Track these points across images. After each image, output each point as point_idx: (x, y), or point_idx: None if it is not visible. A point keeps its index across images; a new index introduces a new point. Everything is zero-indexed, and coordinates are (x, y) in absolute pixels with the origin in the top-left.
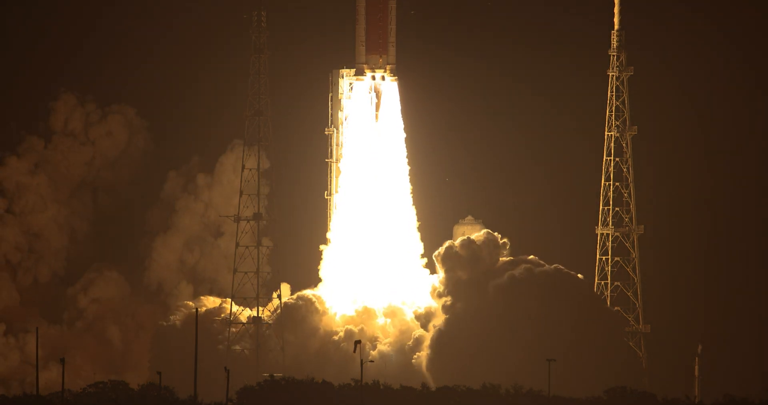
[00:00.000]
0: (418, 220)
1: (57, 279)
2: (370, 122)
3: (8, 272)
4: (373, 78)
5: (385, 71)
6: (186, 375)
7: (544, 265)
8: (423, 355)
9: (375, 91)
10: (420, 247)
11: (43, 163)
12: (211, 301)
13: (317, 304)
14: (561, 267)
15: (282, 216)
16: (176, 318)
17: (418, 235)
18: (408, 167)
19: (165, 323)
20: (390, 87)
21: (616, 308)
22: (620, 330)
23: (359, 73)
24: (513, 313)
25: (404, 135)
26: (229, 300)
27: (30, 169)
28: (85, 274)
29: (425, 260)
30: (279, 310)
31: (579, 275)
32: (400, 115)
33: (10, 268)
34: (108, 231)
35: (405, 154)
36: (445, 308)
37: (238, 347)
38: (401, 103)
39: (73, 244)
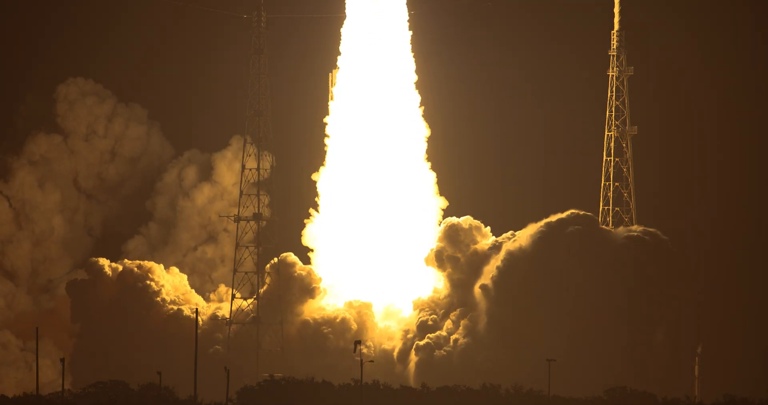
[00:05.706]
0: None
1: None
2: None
3: (21, 288)
4: None
5: None
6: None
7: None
8: (412, 367)
9: None
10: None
11: (51, 174)
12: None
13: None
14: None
15: (280, 217)
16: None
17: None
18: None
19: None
20: None
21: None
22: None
23: None
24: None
25: (410, 45)
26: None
27: (39, 179)
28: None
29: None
30: (266, 286)
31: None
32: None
33: (19, 282)
34: (108, 241)
35: (413, 66)
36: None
37: (218, 347)
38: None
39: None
